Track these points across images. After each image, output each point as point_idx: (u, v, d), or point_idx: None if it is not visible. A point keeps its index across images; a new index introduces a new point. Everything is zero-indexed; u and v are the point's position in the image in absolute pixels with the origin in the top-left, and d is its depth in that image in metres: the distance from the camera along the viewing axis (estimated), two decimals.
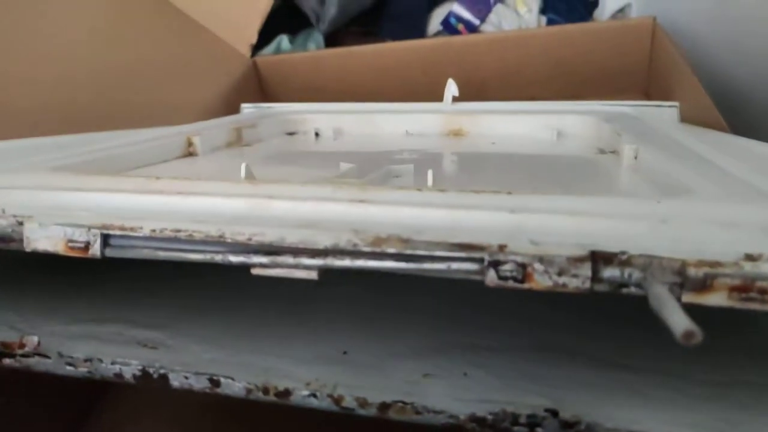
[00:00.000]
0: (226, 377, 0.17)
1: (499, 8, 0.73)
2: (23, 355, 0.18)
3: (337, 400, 0.16)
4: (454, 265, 0.16)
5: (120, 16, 0.56)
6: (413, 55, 0.63)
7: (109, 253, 0.19)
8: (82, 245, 0.18)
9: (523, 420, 0.15)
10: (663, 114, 0.46)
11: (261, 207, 0.20)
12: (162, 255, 0.18)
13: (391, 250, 0.17)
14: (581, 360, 0.19)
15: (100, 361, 0.17)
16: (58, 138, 0.37)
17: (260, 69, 0.66)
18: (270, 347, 0.19)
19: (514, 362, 0.18)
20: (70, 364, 0.18)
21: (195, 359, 0.18)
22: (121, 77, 0.53)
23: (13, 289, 0.24)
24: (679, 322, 0.12)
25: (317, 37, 0.75)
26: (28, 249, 0.19)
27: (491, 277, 0.16)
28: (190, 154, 0.36)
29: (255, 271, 0.18)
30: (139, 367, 0.17)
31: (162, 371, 0.17)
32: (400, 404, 0.15)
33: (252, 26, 0.65)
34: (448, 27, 0.76)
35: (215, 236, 0.18)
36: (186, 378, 0.17)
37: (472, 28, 0.74)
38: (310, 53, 0.66)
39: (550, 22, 0.72)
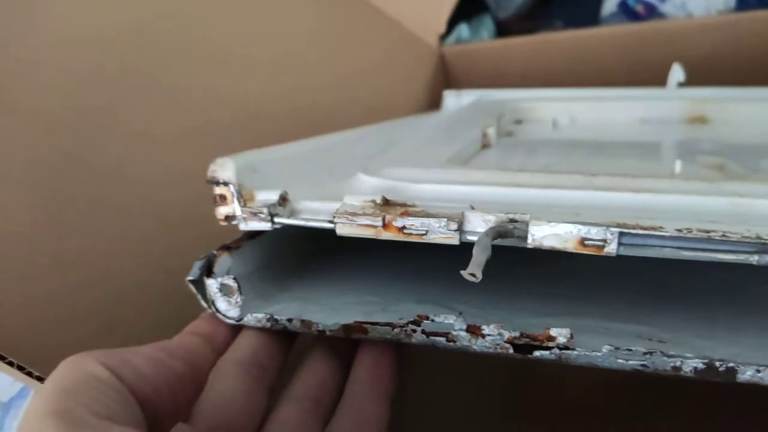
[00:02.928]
0: None
1: None
2: (561, 348, 0.18)
3: None
4: None
5: (323, 19, 0.55)
6: (609, 41, 0.61)
7: (623, 251, 0.19)
8: (600, 243, 0.19)
9: None
10: None
11: (744, 205, 0.20)
12: (687, 255, 0.18)
13: None
14: None
15: (662, 354, 0.18)
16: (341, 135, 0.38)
17: (446, 59, 0.66)
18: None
19: None
20: (623, 358, 0.18)
21: (716, 354, 0.18)
22: (326, 79, 0.53)
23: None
24: None
25: (489, 24, 0.74)
26: (530, 245, 0.20)
27: None
28: (485, 146, 0.37)
29: None
30: (704, 361, 0.17)
31: (730, 365, 0.17)
32: None
33: (441, 16, 0.65)
34: (626, 9, 0.73)
35: (752, 237, 0.18)
36: (758, 371, 0.17)
37: (652, 9, 0.72)
38: (498, 42, 0.65)
39: (740, 4, 0.69)
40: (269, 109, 0.44)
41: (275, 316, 0.21)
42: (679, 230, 0.18)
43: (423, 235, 0.20)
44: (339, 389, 0.22)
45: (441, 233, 0.20)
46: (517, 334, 0.19)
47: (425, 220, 0.20)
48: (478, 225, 0.20)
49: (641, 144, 0.40)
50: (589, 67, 0.63)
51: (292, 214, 0.23)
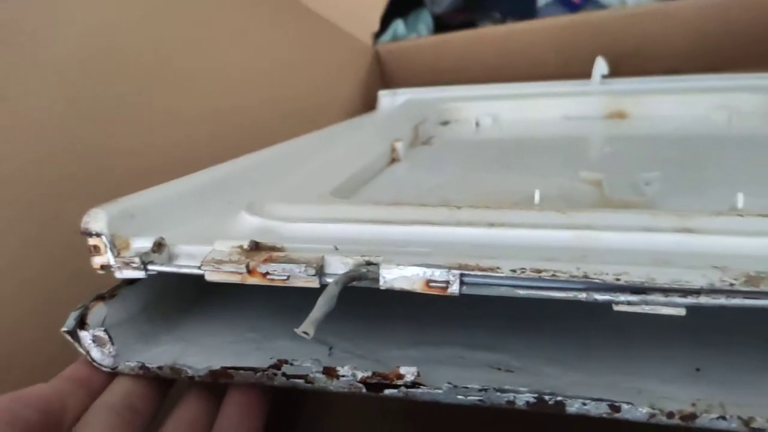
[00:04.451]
0: (628, 403, 0.18)
1: None
2: (408, 386, 0.19)
3: (747, 422, 0.17)
4: None
5: (249, 18, 0.54)
6: (543, 34, 0.62)
7: (466, 291, 0.20)
8: (443, 285, 0.20)
9: None
10: None
11: (587, 238, 0.21)
12: (521, 293, 0.19)
13: None
14: None
15: (496, 390, 0.19)
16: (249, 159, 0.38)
17: (381, 57, 0.66)
18: (622, 367, 0.21)
19: None
20: (462, 395, 0.19)
21: (557, 382, 0.19)
22: (254, 81, 0.53)
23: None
24: None
25: (426, 18, 0.74)
26: (383, 288, 0.20)
27: None
28: (393, 160, 0.37)
29: (618, 308, 0.19)
30: (534, 395, 0.18)
31: (559, 398, 0.18)
32: None
33: (374, 14, 0.64)
34: None
35: (579, 276, 0.19)
36: (584, 404, 0.18)
37: None
38: (433, 38, 0.65)
39: None
40: (191, 113, 0.44)
41: (147, 365, 0.22)
42: (514, 270, 0.19)
43: (285, 280, 0.21)
44: (211, 426, 0.22)
45: (302, 278, 0.21)
46: (369, 373, 0.20)
47: (287, 266, 0.21)
48: (338, 268, 0.21)
49: (544, 148, 0.41)
50: (524, 60, 0.64)
51: (169, 259, 0.24)
